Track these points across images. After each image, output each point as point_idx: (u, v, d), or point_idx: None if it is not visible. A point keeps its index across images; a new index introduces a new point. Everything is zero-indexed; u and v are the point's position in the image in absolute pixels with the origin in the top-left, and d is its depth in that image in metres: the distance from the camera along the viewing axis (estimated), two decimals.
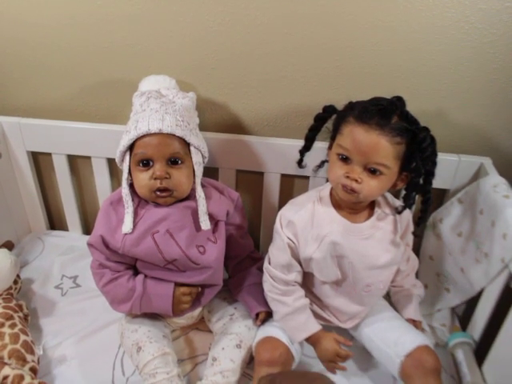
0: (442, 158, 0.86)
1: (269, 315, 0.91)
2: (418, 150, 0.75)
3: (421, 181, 0.79)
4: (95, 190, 1.22)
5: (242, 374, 0.86)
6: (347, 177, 0.75)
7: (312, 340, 0.86)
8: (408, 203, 0.81)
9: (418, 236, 0.88)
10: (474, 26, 0.89)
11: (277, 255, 0.87)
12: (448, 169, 0.98)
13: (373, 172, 0.74)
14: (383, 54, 0.95)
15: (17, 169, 1.20)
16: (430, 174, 0.77)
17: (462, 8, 0.88)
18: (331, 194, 0.85)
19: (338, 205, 0.84)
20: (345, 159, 0.76)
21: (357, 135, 0.73)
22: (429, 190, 0.79)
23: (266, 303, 0.91)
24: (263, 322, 0.91)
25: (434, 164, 0.77)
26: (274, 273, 0.87)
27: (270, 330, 0.88)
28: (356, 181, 0.75)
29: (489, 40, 0.90)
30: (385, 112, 0.73)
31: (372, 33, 0.93)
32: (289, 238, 0.84)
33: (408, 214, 0.88)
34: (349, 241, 0.81)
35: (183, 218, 0.86)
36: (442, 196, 1.05)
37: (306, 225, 0.83)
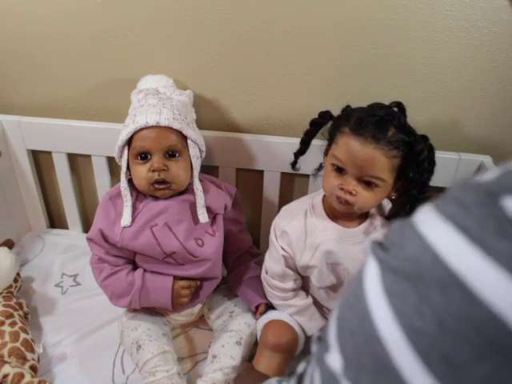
0: (442, 156, 0.86)
1: (268, 307, 0.92)
2: (415, 161, 0.73)
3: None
4: (95, 188, 1.22)
5: None
6: (341, 189, 0.74)
7: None
8: (401, 215, 0.78)
9: None
10: (474, 24, 0.89)
11: (272, 265, 0.87)
12: (448, 167, 0.98)
13: (368, 184, 0.73)
14: (383, 53, 0.95)
15: (17, 167, 1.20)
16: (425, 186, 0.75)
17: (462, 6, 0.88)
18: (324, 200, 0.85)
19: (331, 212, 0.83)
20: (339, 170, 0.74)
21: (352, 148, 0.71)
22: (421, 200, 0.76)
23: (265, 295, 0.92)
24: (263, 314, 0.91)
25: (431, 173, 0.76)
26: (271, 282, 0.88)
27: (280, 313, 0.89)
28: (350, 193, 0.73)
29: (489, 38, 0.90)
30: (381, 124, 0.71)
31: (372, 31, 0.93)
32: (283, 248, 0.84)
33: None
34: (343, 248, 0.81)
35: (181, 212, 0.87)
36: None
37: (300, 234, 0.83)
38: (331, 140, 0.78)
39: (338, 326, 0.31)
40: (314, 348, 0.36)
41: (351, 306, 0.31)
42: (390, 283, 0.27)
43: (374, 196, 0.74)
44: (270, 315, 0.89)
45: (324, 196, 0.85)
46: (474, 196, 0.25)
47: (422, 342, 0.25)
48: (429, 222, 0.27)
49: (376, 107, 0.75)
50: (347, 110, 0.79)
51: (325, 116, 0.82)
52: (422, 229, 0.27)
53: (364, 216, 0.83)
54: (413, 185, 0.75)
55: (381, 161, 0.70)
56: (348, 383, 0.29)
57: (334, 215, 0.83)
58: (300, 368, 0.42)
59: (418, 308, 0.25)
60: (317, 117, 0.83)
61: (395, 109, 0.77)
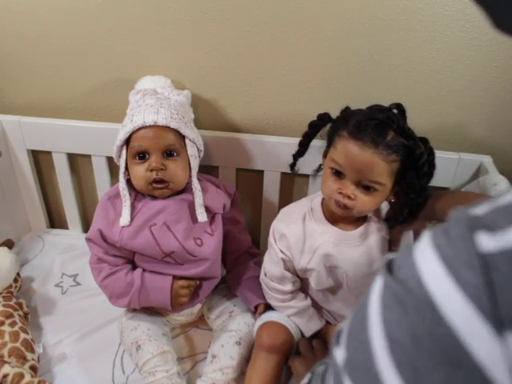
0: (442, 156, 0.86)
1: (267, 307, 0.92)
2: (414, 166, 0.72)
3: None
4: (95, 188, 1.22)
5: (242, 371, 0.86)
6: (340, 193, 0.73)
7: (319, 335, 0.88)
8: (399, 219, 0.79)
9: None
10: (474, 24, 0.89)
11: (271, 267, 0.87)
12: (448, 167, 0.98)
13: (366, 188, 0.73)
14: (383, 53, 0.95)
15: (17, 167, 1.20)
16: (423, 190, 0.75)
17: (462, 6, 0.87)
18: (323, 203, 0.85)
19: (330, 215, 0.83)
20: (338, 173, 0.74)
21: (350, 152, 0.71)
22: (419, 203, 0.77)
23: (264, 296, 0.92)
24: (261, 314, 0.91)
25: (431, 177, 0.75)
26: (270, 284, 0.88)
27: (275, 314, 0.89)
28: (349, 197, 0.73)
29: (489, 38, 0.90)
30: (380, 128, 0.70)
31: (372, 31, 0.93)
32: (282, 251, 0.84)
33: None
34: (341, 251, 0.81)
35: (180, 211, 0.87)
36: None
37: (299, 238, 0.82)
38: (330, 143, 0.78)
39: (349, 326, 0.36)
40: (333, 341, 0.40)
41: (359, 310, 0.35)
42: (386, 297, 0.32)
43: (373, 200, 0.74)
44: (265, 317, 0.89)
45: (323, 199, 0.84)
46: (459, 229, 0.29)
47: (398, 350, 0.29)
48: (422, 248, 0.31)
49: (375, 110, 0.75)
50: (346, 112, 0.78)
51: (323, 118, 0.81)
52: (416, 254, 0.31)
53: (362, 219, 0.83)
54: (412, 189, 0.75)
55: (380, 165, 0.70)
56: (346, 376, 0.33)
57: (332, 218, 0.82)
58: (319, 369, 0.45)
59: (400, 322, 0.29)
60: (315, 119, 0.83)
61: (395, 110, 0.76)
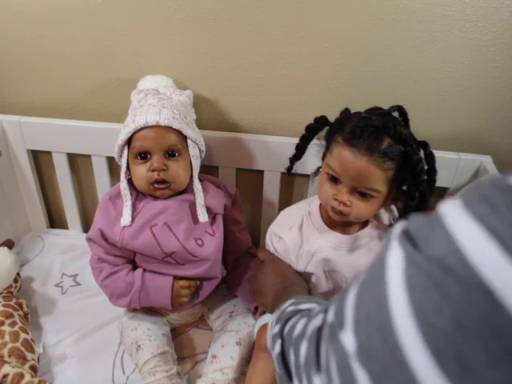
0: (442, 156, 0.86)
1: None
2: (411, 173, 0.70)
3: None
4: (95, 188, 1.22)
5: (242, 372, 0.86)
6: (336, 199, 0.72)
7: None
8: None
9: None
10: (474, 24, 0.89)
11: None
12: (448, 167, 0.98)
13: (362, 195, 0.71)
14: (383, 53, 0.95)
15: (17, 167, 1.20)
16: (424, 196, 0.72)
17: (462, 6, 0.88)
18: (321, 206, 0.84)
19: (328, 219, 0.82)
20: (334, 179, 0.73)
21: (345, 159, 0.69)
22: (424, 207, 0.74)
23: None
24: (261, 315, 0.91)
25: (432, 183, 0.74)
26: None
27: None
28: (345, 204, 0.72)
29: (489, 38, 0.90)
30: (376, 134, 0.68)
31: (372, 31, 0.93)
32: (279, 254, 0.84)
33: None
34: (340, 255, 0.80)
35: (181, 211, 0.87)
36: (442, 194, 1.05)
37: (296, 241, 0.82)
38: (327, 147, 0.77)
39: (355, 306, 0.31)
40: (329, 317, 0.35)
41: (371, 288, 0.30)
42: (412, 277, 0.27)
43: (370, 207, 0.73)
44: (266, 318, 0.88)
45: (321, 203, 0.84)
46: (505, 198, 0.25)
47: (438, 340, 0.25)
48: (459, 221, 0.26)
49: (373, 114, 0.73)
50: (345, 114, 0.77)
51: (320, 122, 0.80)
52: (452, 227, 0.26)
53: (362, 223, 0.82)
54: (409, 196, 0.73)
55: (375, 173, 0.69)
56: (360, 365, 0.29)
57: (331, 222, 0.81)
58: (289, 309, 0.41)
59: (438, 305, 0.25)
60: (312, 122, 0.82)
61: (396, 113, 0.75)
